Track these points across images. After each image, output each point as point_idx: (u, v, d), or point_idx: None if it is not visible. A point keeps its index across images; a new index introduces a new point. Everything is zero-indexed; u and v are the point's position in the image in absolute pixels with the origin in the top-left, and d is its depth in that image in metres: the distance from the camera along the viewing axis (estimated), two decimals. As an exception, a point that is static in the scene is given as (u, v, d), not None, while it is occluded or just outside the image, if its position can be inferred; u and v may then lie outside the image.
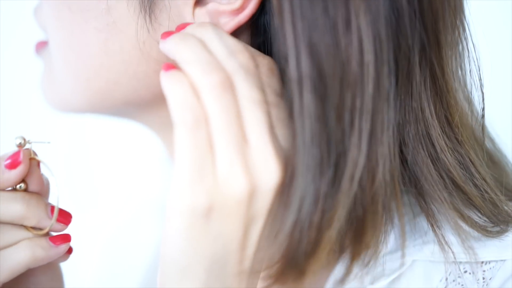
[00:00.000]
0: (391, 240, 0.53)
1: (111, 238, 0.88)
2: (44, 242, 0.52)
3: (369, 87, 0.45)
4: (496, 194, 0.52)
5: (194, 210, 0.44)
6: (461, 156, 0.51)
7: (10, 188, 0.52)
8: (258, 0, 0.49)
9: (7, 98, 1.05)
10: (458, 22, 0.52)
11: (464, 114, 0.54)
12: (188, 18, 0.51)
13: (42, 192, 0.53)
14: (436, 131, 0.50)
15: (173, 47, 0.47)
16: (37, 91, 0.62)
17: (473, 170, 0.51)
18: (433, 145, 0.50)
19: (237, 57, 0.46)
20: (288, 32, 0.45)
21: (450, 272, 0.53)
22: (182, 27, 0.49)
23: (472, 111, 0.55)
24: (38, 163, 0.52)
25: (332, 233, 0.46)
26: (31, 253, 0.50)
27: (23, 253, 0.50)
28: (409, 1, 0.47)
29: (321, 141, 0.45)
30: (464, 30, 0.53)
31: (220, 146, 0.45)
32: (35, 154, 0.52)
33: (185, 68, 0.46)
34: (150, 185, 0.86)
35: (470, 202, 0.51)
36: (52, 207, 0.52)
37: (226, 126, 0.45)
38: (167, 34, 0.48)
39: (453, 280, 0.53)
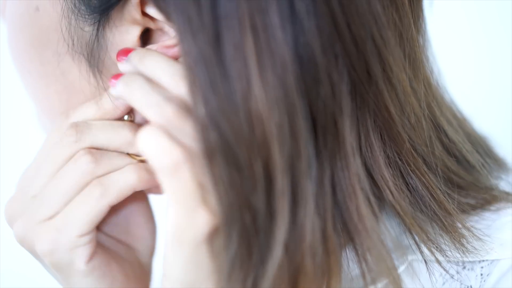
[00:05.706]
0: (391, 234, 0.53)
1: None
2: (148, 165, 0.52)
3: (283, 149, 0.43)
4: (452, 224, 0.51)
5: (198, 239, 0.45)
6: (415, 190, 0.50)
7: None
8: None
9: (7, 98, 1.05)
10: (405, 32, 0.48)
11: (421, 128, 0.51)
12: None
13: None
14: (379, 167, 0.48)
15: (123, 93, 0.47)
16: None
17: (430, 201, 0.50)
18: (375, 184, 0.49)
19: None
20: (193, 100, 0.44)
21: (449, 268, 0.53)
22: (125, 52, 0.49)
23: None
24: None
25: None
26: (137, 174, 0.51)
27: (129, 175, 0.51)
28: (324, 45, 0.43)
29: (243, 208, 0.44)
30: (419, 28, 0.51)
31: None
32: None
33: (140, 111, 0.46)
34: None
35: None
36: None
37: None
38: (116, 77, 0.49)
39: (452, 277, 0.53)
